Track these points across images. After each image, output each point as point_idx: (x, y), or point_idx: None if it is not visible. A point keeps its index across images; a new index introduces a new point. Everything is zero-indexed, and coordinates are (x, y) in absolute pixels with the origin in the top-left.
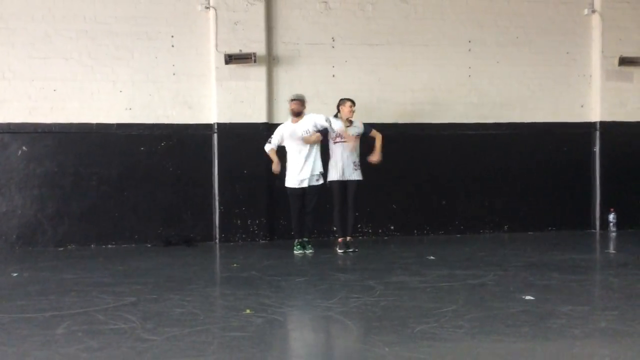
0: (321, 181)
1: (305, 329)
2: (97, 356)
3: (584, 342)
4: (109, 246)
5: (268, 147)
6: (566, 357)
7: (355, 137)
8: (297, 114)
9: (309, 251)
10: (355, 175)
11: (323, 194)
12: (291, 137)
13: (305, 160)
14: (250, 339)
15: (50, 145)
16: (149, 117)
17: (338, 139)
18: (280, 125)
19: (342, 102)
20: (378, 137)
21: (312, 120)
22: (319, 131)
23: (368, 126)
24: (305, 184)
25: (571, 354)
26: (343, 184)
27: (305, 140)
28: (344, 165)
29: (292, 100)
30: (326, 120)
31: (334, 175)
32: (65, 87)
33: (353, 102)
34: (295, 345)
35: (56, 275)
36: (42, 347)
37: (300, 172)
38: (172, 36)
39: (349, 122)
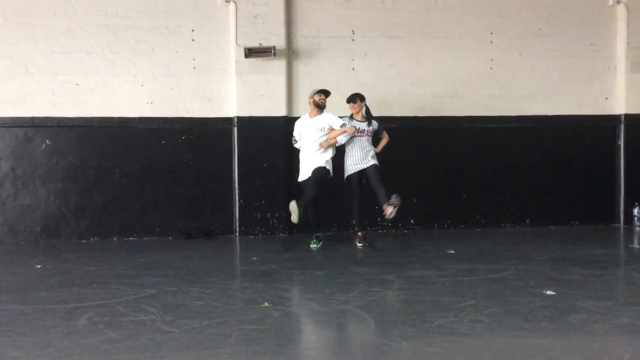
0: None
1: (323, 323)
2: (117, 347)
3: (604, 337)
4: (131, 239)
5: (297, 146)
6: (586, 353)
7: (369, 133)
8: (322, 108)
9: (313, 245)
10: (373, 161)
11: (342, 188)
12: (305, 132)
13: (314, 158)
14: (268, 331)
15: (73, 139)
16: (170, 111)
17: (355, 134)
18: (298, 120)
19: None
20: (385, 138)
21: (330, 120)
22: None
23: (382, 127)
24: (309, 174)
25: (592, 349)
26: (360, 176)
27: (324, 144)
28: (361, 156)
29: (320, 92)
30: (341, 125)
31: (350, 168)
32: (88, 82)
33: (353, 100)
34: (313, 338)
35: (79, 267)
36: (63, 337)
37: (307, 164)
38: (193, 30)
39: (364, 118)
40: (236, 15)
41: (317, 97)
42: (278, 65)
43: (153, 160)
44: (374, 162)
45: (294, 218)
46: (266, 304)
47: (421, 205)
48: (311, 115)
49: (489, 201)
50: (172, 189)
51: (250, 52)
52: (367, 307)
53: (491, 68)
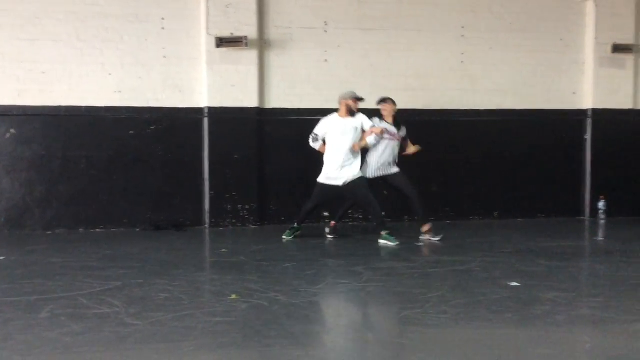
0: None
1: (290, 315)
2: (79, 340)
3: (566, 328)
4: (98, 230)
5: (317, 145)
6: (548, 343)
7: (399, 137)
8: (354, 115)
9: (287, 237)
10: (396, 168)
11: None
12: (338, 131)
13: (348, 162)
14: (235, 324)
15: (38, 128)
16: (139, 101)
17: (385, 136)
18: (326, 118)
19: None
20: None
21: (363, 120)
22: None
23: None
24: (340, 183)
25: (554, 340)
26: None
27: (356, 147)
28: (388, 160)
29: (357, 99)
30: (372, 127)
31: (373, 173)
32: (54, 70)
33: (384, 101)
34: (279, 330)
35: (43, 259)
36: (24, 330)
37: (339, 171)
38: (163, 19)
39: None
40: (207, 4)
41: (352, 103)
42: (250, 56)
43: (121, 151)
44: (397, 169)
45: (393, 242)
46: (234, 296)
47: (391, 198)
48: (341, 115)
49: (459, 194)
50: (141, 180)
51: (221, 42)
52: (335, 299)
53: (462, 62)
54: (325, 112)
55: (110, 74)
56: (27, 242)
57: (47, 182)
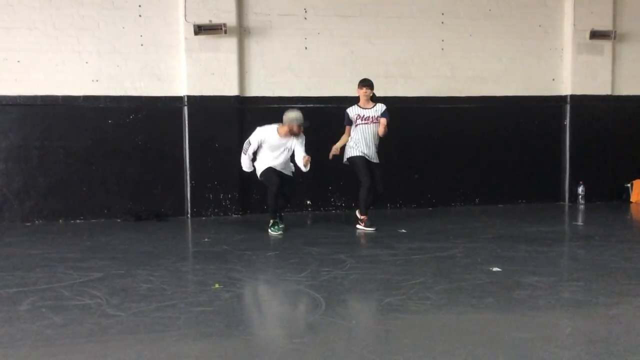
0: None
1: (274, 303)
2: (61, 332)
3: (547, 312)
4: (78, 221)
5: (246, 158)
6: (529, 328)
7: (374, 120)
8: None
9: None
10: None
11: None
12: (273, 147)
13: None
14: (218, 313)
15: (14, 118)
16: (117, 89)
17: (359, 121)
18: (263, 129)
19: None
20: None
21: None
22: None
23: (385, 111)
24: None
25: (534, 324)
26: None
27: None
28: (364, 144)
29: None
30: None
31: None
32: (30, 58)
33: (367, 86)
34: (263, 319)
35: (22, 250)
36: (5, 323)
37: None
38: (140, 5)
39: (371, 104)
40: None
41: (296, 129)
42: (229, 43)
43: (99, 140)
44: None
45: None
46: (217, 285)
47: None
48: (281, 135)
49: (440, 180)
50: (121, 170)
51: (200, 29)
52: (318, 287)
53: (442, 49)
54: (306, 99)
55: (87, 62)
56: (5, 234)
57: (24, 173)
